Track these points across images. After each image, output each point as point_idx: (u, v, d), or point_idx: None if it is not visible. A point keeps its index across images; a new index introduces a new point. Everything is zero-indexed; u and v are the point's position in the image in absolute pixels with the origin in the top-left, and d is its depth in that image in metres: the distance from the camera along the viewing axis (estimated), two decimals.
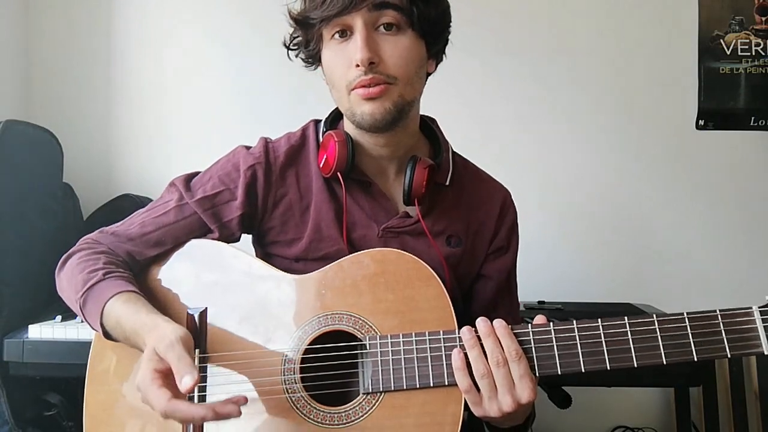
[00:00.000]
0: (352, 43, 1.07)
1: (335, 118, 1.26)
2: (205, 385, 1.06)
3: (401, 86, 1.09)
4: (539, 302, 2.18)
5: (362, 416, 1.02)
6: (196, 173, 1.24)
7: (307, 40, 1.14)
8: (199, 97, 2.52)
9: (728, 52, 2.47)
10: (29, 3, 2.48)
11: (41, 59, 2.49)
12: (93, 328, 1.10)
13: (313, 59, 1.17)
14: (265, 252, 1.24)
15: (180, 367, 0.90)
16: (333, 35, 1.09)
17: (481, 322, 1.00)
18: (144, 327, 1.00)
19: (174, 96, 2.52)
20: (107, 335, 1.07)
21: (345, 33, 1.08)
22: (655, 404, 2.51)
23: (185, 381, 0.89)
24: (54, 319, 1.79)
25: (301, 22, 1.11)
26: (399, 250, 1.10)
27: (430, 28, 1.11)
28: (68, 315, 1.80)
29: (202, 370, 1.06)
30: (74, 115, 2.48)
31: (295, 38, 1.18)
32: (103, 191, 2.41)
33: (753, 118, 2.46)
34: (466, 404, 1.00)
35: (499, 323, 1.00)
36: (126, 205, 2.26)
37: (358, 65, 1.05)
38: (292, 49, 1.19)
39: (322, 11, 1.06)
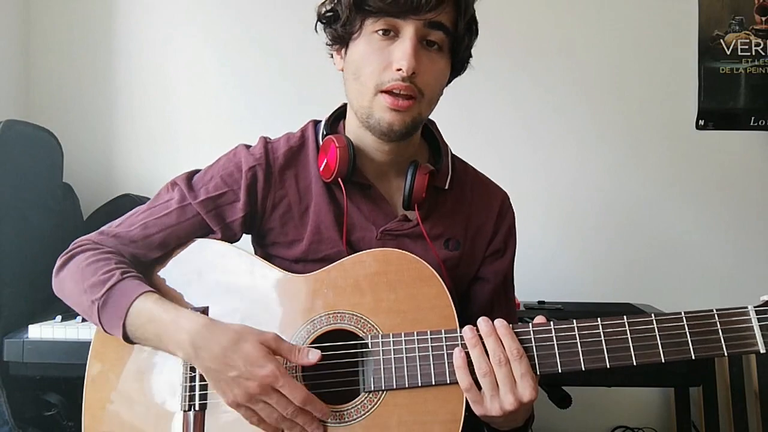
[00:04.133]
0: (397, 47, 1.06)
1: (335, 119, 1.25)
2: (207, 384, 1.06)
3: (424, 104, 1.11)
4: (539, 302, 2.18)
5: (364, 414, 1.02)
6: (197, 171, 1.24)
7: (346, 19, 1.09)
8: (200, 97, 2.52)
9: (728, 52, 2.47)
10: (29, 3, 2.48)
11: (41, 59, 2.49)
12: (106, 330, 1.09)
13: (340, 41, 1.14)
14: (265, 252, 1.24)
15: (300, 348, 1.01)
16: (377, 30, 1.07)
17: (482, 321, 1.01)
18: (190, 322, 1.03)
19: (174, 96, 2.52)
20: (126, 336, 1.07)
21: (389, 32, 1.07)
22: (655, 404, 2.51)
23: (312, 354, 1.00)
24: (54, 319, 1.79)
25: (356, 2, 1.07)
26: (401, 250, 1.10)
27: (461, 59, 1.15)
28: (68, 315, 1.80)
29: None
30: (74, 115, 2.48)
31: (330, 12, 1.13)
32: (103, 191, 2.40)
33: (753, 118, 2.46)
34: (467, 403, 1.00)
35: (500, 323, 1.00)
36: (126, 205, 2.25)
37: (399, 69, 1.05)
38: (322, 21, 1.15)
39: (383, 3, 1.04)
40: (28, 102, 2.46)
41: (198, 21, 2.52)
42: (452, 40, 1.10)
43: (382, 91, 1.07)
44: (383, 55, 1.07)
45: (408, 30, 1.05)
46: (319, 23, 1.16)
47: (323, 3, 1.14)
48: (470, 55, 1.18)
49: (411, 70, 1.04)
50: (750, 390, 2.30)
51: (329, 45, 1.17)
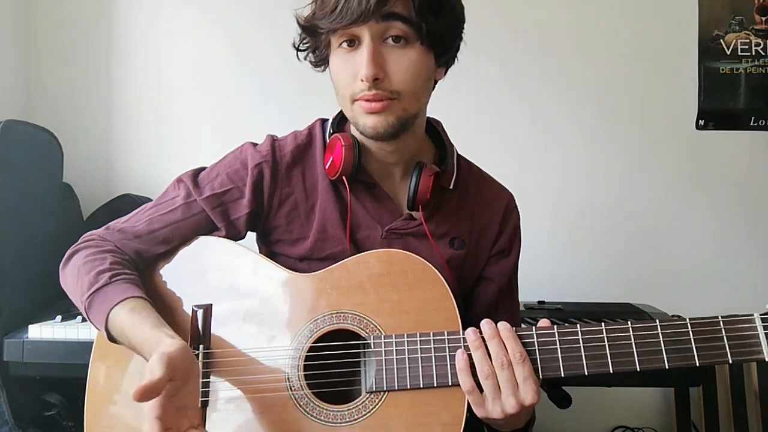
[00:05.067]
0: (359, 56, 1.05)
1: (342, 118, 1.25)
2: (209, 381, 1.06)
3: (405, 101, 1.08)
4: (539, 302, 2.18)
5: (365, 415, 1.02)
6: (203, 168, 1.24)
7: (315, 46, 1.14)
8: (200, 97, 2.52)
9: (728, 52, 2.47)
10: (29, 3, 2.47)
11: (41, 59, 2.48)
12: (98, 329, 1.09)
13: (322, 63, 1.17)
14: (269, 250, 1.24)
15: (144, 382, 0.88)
16: (341, 44, 1.07)
17: (485, 323, 1.01)
18: (147, 342, 0.99)
19: (174, 96, 2.51)
20: (112, 339, 1.07)
21: (353, 42, 1.06)
22: (655, 404, 2.51)
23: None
24: (54, 319, 1.78)
25: (309, 29, 1.10)
26: (405, 251, 1.10)
27: (440, 40, 1.09)
28: (68, 315, 1.80)
29: (206, 366, 1.06)
30: (74, 115, 2.47)
31: (304, 41, 1.17)
32: (103, 191, 2.40)
33: (753, 118, 2.47)
34: (469, 405, 1.00)
35: (503, 325, 1.00)
36: (126, 205, 2.25)
37: (362, 80, 1.04)
38: (300, 51, 1.18)
39: (330, 22, 1.04)
40: (28, 102, 2.46)
41: (198, 21, 2.52)
42: (417, 27, 1.05)
43: (356, 100, 1.08)
44: (350, 67, 1.07)
45: (365, 35, 1.04)
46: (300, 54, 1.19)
47: (298, 34, 1.17)
48: (457, 33, 1.14)
49: (372, 77, 1.03)
50: (750, 390, 2.31)
51: (315, 69, 1.20)
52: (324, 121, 1.26)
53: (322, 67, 1.18)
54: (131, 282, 1.10)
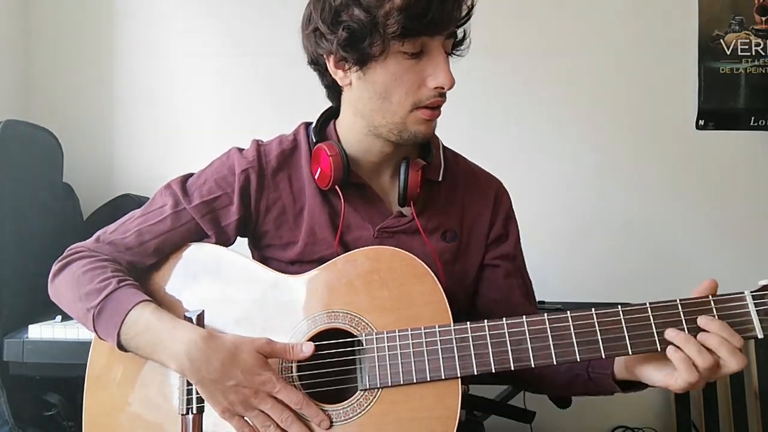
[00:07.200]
0: (430, 65, 1.07)
1: (324, 123, 1.25)
2: None
3: None
4: (539, 302, 2.18)
5: (360, 413, 1.02)
6: (190, 175, 1.23)
7: (372, 40, 1.04)
8: (200, 97, 2.52)
9: (728, 52, 2.47)
10: (29, 3, 2.48)
11: (41, 59, 2.49)
12: (100, 337, 1.09)
13: (359, 62, 1.08)
14: (261, 255, 1.25)
15: (293, 345, 1.04)
16: (405, 51, 1.06)
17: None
18: (182, 328, 1.04)
19: (174, 96, 2.52)
20: (120, 345, 1.06)
21: (419, 49, 1.07)
22: (655, 404, 2.51)
23: (306, 347, 1.03)
24: (54, 319, 1.78)
25: (409, 29, 1.02)
26: (393, 248, 1.10)
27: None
28: (68, 315, 1.80)
29: None
30: (74, 115, 2.48)
31: (349, 31, 1.05)
32: (103, 191, 2.40)
33: (753, 118, 2.46)
34: (462, 399, 1.00)
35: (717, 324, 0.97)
36: (126, 205, 2.25)
37: (439, 87, 1.07)
38: (340, 44, 1.06)
39: (420, 24, 1.02)
40: (28, 102, 2.46)
41: (198, 22, 2.52)
42: (458, 41, 1.14)
43: (419, 108, 1.10)
44: (415, 74, 1.08)
45: (437, 46, 1.07)
46: (326, 42, 1.09)
47: (328, 21, 1.07)
48: None
49: (452, 86, 1.08)
50: (750, 390, 2.30)
51: (343, 61, 1.10)
52: (308, 125, 1.26)
53: (357, 67, 1.09)
54: (138, 288, 1.11)
